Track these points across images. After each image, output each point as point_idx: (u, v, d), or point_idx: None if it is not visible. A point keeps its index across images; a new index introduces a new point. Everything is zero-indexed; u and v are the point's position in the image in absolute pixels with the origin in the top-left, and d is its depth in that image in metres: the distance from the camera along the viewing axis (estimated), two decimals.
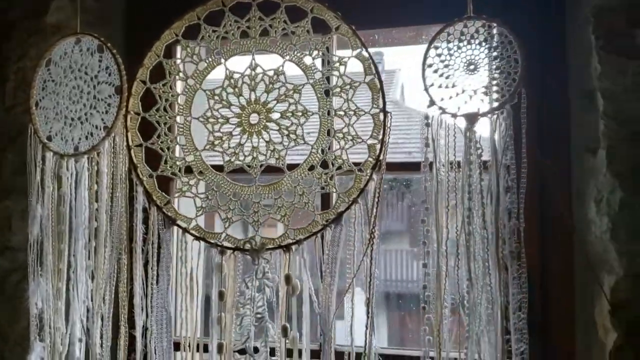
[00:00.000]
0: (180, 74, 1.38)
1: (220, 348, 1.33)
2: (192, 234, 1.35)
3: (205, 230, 1.35)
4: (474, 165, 1.25)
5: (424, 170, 1.30)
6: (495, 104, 1.25)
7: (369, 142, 1.32)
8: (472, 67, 1.27)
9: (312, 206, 1.34)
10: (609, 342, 1.27)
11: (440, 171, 1.28)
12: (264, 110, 1.36)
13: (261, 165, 1.36)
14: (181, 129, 1.38)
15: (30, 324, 1.48)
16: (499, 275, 1.23)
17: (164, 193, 1.38)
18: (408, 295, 4.40)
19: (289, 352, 1.32)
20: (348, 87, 1.33)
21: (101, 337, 1.43)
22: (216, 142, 1.37)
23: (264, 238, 1.34)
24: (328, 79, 1.35)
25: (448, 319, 1.28)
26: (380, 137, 1.31)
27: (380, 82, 1.31)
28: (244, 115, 1.37)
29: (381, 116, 1.32)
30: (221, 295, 1.33)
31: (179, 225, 1.36)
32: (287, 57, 1.36)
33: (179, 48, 1.58)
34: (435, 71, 1.29)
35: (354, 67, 1.35)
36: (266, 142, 1.36)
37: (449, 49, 1.28)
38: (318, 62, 1.36)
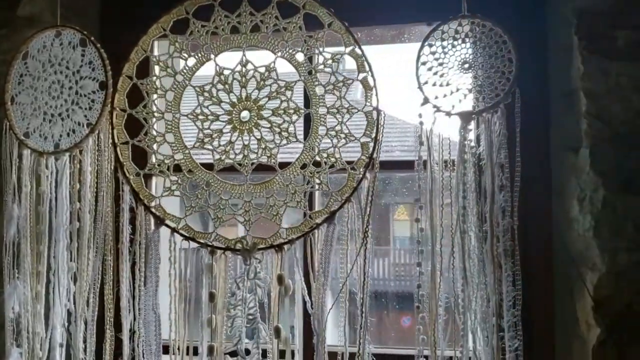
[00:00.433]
0: (169, 70, 1.34)
1: (210, 350, 1.30)
2: (181, 234, 1.31)
3: (195, 230, 1.32)
4: (469, 164, 1.25)
5: (417, 168, 1.29)
6: (490, 103, 1.25)
7: (362, 140, 1.31)
8: (466, 65, 1.27)
9: (304, 205, 1.32)
10: (591, 338, 1.29)
11: (434, 169, 1.27)
12: (255, 108, 1.34)
13: (252, 164, 1.33)
14: (169, 126, 1.34)
15: (5, 329, 1.42)
16: (494, 273, 1.23)
17: (150, 192, 1.35)
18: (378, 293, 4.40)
19: (282, 354, 1.30)
20: (341, 84, 1.32)
21: (84, 342, 1.38)
22: (206, 140, 1.34)
23: (255, 237, 1.31)
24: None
25: (442, 318, 1.27)
26: (374, 135, 1.30)
27: (374, 79, 1.30)
28: (234, 112, 1.34)
29: (374, 114, 1.31)
30: (212, 297, 1.30)
31: (167, 225, 1.32)
32: (279, 54, 1.34)
33: (155, 44, 1.56)
34: (430, 69, 1.28)
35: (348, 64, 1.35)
36: (257, 140, 1.33)
37: (444, 47, 1.28)
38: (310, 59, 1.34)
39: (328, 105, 1.32)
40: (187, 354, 1.35)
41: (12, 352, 1.42)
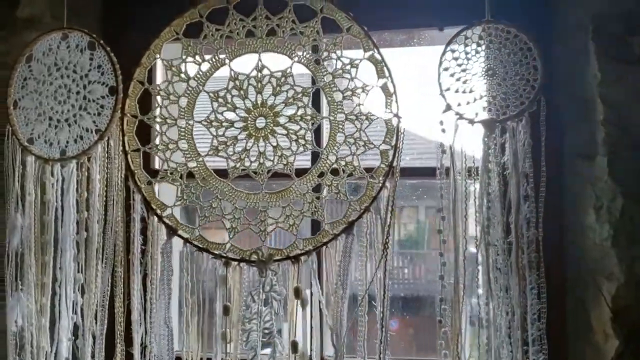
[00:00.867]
0: (182, 75, 1.30)
1: None
2: (194, 245, 1.27)
3: (209, 241, 1.27)
4: (493, 173, 1.21)
5: (440, 177, 1.26)
6: (515, 111, 1.22)
7: (382, 147, 1.27)
8: (490, 72, 1.24)
9: (322, 215, 1.28)
10: (608, 349, 1.26)
11: (456, 178, 1.23)
12: (271, 114, 1.29)
13: (268, 172, 1.29)
14: (183, 133, 1.30)
15: (8, 343, 1.36)
16: (519, 286, 1.20)
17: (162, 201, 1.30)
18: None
19: None
20: (360, 90, 1.28)
21: (93, 356, 1.33)
22: (220, 147, 1.29)
23: (271, 249, 1.27)
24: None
25: (466, 332, 1.24)
26: (394, 142, 1.26)
27: (394, 85, 1.26)
28: (250, 118, 1.30)
29: (394, 121, 1.27)
30: (226, 310, 1.26)
31: (180, 236, 1.27)
32: (296, 59, 1.30)
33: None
34: (452, 75, 1.25)
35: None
36: (273, 147, 1.29)
37: (467, 53, 1.24)
38: (328, 64, 1.30)
39: (346, 112, 1.28)
40: None
41: None
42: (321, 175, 1.29)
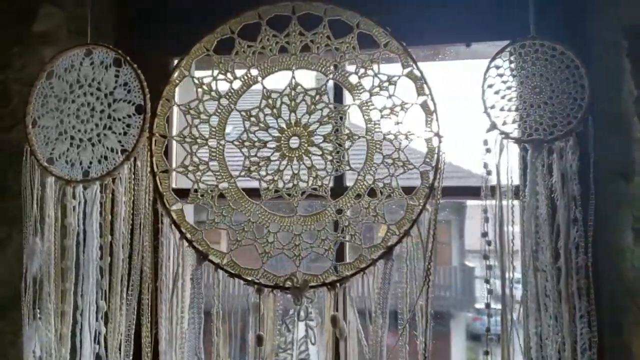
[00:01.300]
0: (213, 93, 1.24)
1: None
2: (226, 271, 1.20)
3: (241, 266, 1.21)
4: (541, 196, 1.16)
5: (484, 198, 1.20)
6: (562, 131, 1.16)
7: (422, 168, 1.22)
8: (537, 89, 1.18)
9: (359, 239, 1.22)
10: None
11: (502, 201, 1.17)
12: (306, 134, 1.24)
13: (302, 193, 1.23)
14: (214, 154, 1.24)
15: None
16: (569, 315, 1.14)
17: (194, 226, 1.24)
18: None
19: None
20: (399, 108, 1.23)
21: None
22: (253, 168, 1.23)
23: (306, 274, 1.21)
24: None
25: None
26: (434, 163, 1.21)
27: (434, 103, 1.21)
28: (283, 138, 1.24)
29: (435, 140, 1.21)
30: (259, 340, 1.19)
31: (211, 261, 1.21)
32: (331, 76, 1.24)
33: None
34: (497, 92, 1.19)
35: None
36: (308, 168, 1.23)
37: (512, 69, 1.19)
38: (365, 81, 1.24)
39: (384, 132, 1.23)
40: None
41: None
42: (358, 197, 1.23)
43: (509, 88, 1.20)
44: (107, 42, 1.41)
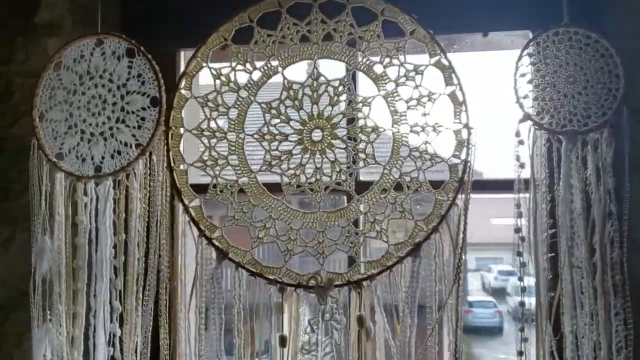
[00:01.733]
0: (231, 85, 1.19)
1: None
2: (247, 269, 1.15)
3: (263, 265, 1.16)
4: (575, 190, 1.11)
5: (517, 192, 1.15)
6: (597, 122, 1.12)
7: (451, 162, 1.17)
8: (571, 79, 1.13)
9: (386, 235, 1.17)
10: None
11: (536, 195, 1.13)
12: (329, 126, 1.19)
13: (326, 188, 1.18)
14: (233, 148, 1.18)
15: None
16: (605, 312, 1.09)
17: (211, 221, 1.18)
18: None
19: None
20: (426, 99, 1.18)
21: None
22: (274, 163, 1.18)
23: (330, 273, 1.16)
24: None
25: None
26: (464, 156, 1.16)
27: (463, 93, 1.16)
28: (305, 131, 1.19)
29: (464, 132, 1.16)
30: (283, 341, 1.14)
31: (231, 260, 1.16)
32: (354, 66, 1.19)
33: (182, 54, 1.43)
34: (530, 81, 1.14)
35: None
36: (331, 162, 1.18)
37: (545, 57, 1.14)
38: (390, 71, 1.19)
39: (411, 123, 1.18)
40: None
41: None
42: (384, 191, 1.18)
43: (542, 77, 1.15)
44: (114, 32, 1.36)
